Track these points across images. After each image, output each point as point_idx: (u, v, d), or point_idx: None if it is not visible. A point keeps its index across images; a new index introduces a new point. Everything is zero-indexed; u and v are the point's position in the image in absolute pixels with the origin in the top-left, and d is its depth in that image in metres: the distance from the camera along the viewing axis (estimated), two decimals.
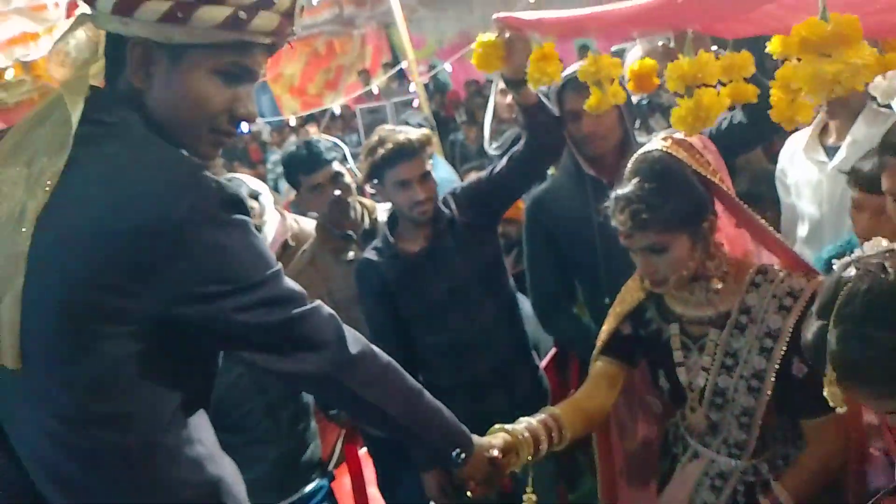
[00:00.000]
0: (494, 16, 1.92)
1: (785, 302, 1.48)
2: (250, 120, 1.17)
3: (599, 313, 2.04)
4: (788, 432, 1.57)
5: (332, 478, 2.55)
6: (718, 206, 1.58)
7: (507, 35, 1.85)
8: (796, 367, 1.47)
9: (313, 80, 10.75)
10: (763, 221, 1.58)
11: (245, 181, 2.79)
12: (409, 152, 2.03)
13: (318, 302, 1.19)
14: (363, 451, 2.66)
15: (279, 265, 1.13)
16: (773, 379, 1.48)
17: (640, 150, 1.57)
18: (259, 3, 1.05)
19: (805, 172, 2.30)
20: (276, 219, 3.01)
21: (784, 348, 1.47)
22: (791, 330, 1.46)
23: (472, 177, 2.30)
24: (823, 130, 2.31)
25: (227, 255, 1.06)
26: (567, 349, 2.48)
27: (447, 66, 7.17)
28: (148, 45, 1.05)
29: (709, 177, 1.51)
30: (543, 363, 2.41)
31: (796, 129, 2.21)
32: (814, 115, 1.66)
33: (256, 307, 1.09)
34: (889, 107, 2.19)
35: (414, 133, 2.08)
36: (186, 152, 1.12)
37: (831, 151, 2.24)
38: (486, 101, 7.82)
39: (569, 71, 2.01)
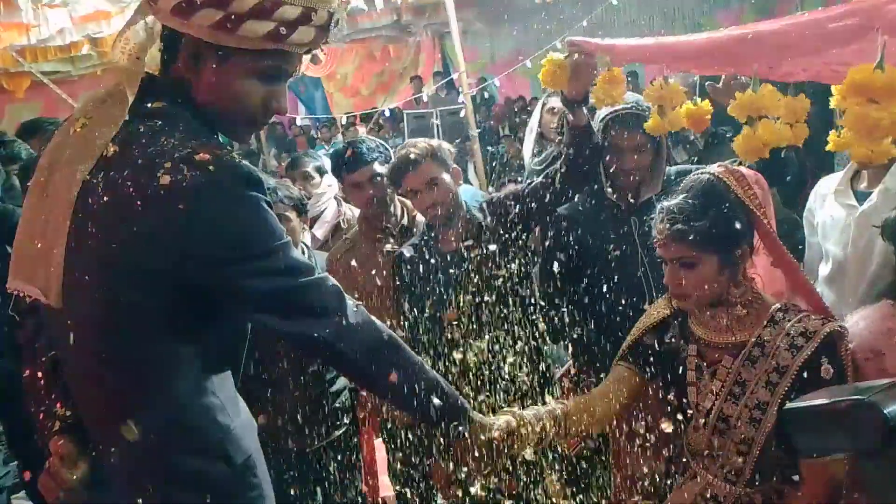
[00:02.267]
0: (569, 38, 2.05)
1: (797, 341, 1.54)
2: (282, 113, 1.33)
3: (609, 334, 2.15)
4: (786, 468, 1.61)
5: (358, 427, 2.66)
6: (758, 242, 1.64)
7: (576, 57, 1.96)
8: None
9: (366, 81, 10.97)
10: (795, 261, 1.64)
11: (319, 158, 2.99)
12: (414, 163, 2.20)
13: (324, 274, 1.32)
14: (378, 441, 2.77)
15: (288, 238, 1.26)
16: (774, 412, 1.54)
17: (696, 171, 1.68)
18: (299, 20, 1.20)
19: (834, 214, 2.34)
20: (333, 201, 3.21)
21: (788, 385, 1.53)
22: (798, 369, 1.52)
23: (510, 187, 2.42)
24: (855, 175, 2.36)
25: (237, 224, 1.19)
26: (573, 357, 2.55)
27: (496, 81, 7.28)
28: (200, 44, 1.21)
29: (753, 208, 1.59)
30: (559, 373, 2.50)
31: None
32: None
33: (264, 274, 1.22)
34: None
35: (419, 146, 2.25)
36: (224, 136, 1.29)
37: (861, 197, 2.28)
38: (530, 118, 7.91)
39: (622, 106, 2.10)
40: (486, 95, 9.52)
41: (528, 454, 1.60)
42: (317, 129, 9.85)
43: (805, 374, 1.52)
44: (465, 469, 1.54)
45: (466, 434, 1.46)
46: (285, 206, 2.59)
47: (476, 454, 1.49)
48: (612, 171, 2.19)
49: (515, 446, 1.55)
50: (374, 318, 1.36)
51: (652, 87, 1.89)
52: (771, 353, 1.56)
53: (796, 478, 1.59)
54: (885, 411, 0.87)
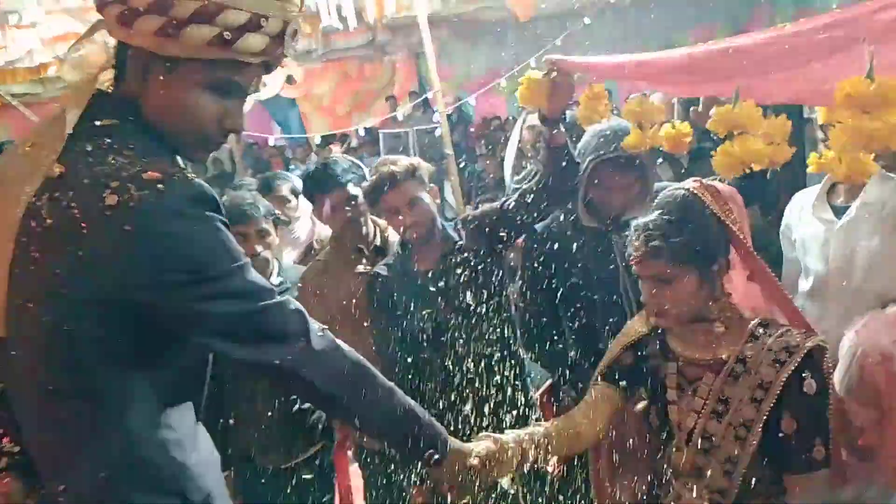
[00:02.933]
0: (546, 56, 2.02)
1: (780, 356, 1.51)
2: (237, 131, 1.26)
3: (589, 353, 2.11)
4: (772, 486, 1.58)
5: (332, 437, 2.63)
6: (734, 257, 1.62)
7: (554, 75, 1.93)
8: (786, 423, 1.50)
9: (342, 101, 10.95)
10: (773, 275, 1.61)
11: (291, 178, 2.92)
12: (394, 182, 2.16)
13: (285, 297, 1.25)
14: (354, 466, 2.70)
15: (246, 260, 1.19)
16: (759, 430, 1.50)
17: (671, 187, 1.65)
18: (247, 26, 1.14)
19: (812, 230, 2.33)
20: (308, 221, 3.15)
21: (773, 402, 1.49)
22: (782, 384, 1.49)
23: (486, 206, 2.37)
24: (831, 190, 2.35)
25: (189, 246, 1.12)
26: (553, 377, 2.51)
27: (471, 100, 7.29)
28: (146, 55, 1.15)
29: (728, 224, 1.56)
30: (538, 393, 2.44)
31: None
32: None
33: (220, 298, 1.15)
34: None
35: (400, 164, 2.20)
36: (179, 155, 1.22)
37: (839, 211, 2.27)
38: (507, 137, 7.94)
39: (602, 152, 2.07)
40: (463, 115, 9.56)
41: (506, 482, 1.54)
42: (292, 149, 9.81)
43: (789, 390, 1.48)
44: (443, 498, 1.47)
45: (444, 462, 1.40)
46: (267, 220, 2.54)
47: (455, 482, 1.44)
48: (596, 202, 2.16)
49: (496, 472, 1.49)
50: (341, 342, 1.30)
51: (630, 103, 1.86)
52: (753, 369, 1.52)
53: (783, 495, 1.56)
54: None
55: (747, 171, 1.68)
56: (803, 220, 2.39)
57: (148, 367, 1.17)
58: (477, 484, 1.45)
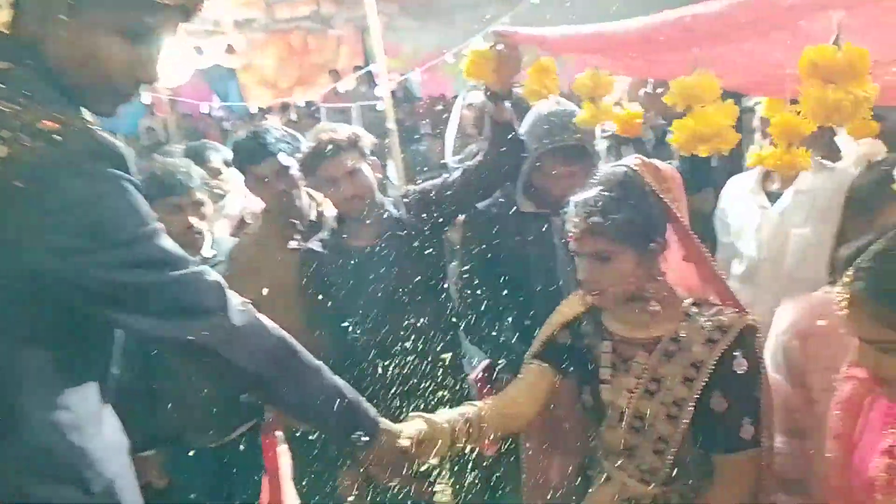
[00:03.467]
0: (493, 27, 1.94)
1: (713, 335, 1.50)
2: (149, 81, 1.16)
3: (526, 335, 2.05)
4: (701, 466, 1.58)
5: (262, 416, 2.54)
6: (671, 237, 1.60)
7: (501, 48, 1.86)
8: (716, 402, 1.50)
9: (285, 74, 10.66)
10: (709, 255, 1.61)
11: (221, 149, 2.78)
12: (334, 150, 2.06)
13: (201, 267, 1.16)
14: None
15: (158, 224, 1.10)
16: (690, 408, 1.50)
17: (611, 164, 1.61)
18: None
19: (747, 215, 2.36)
20: (240, 195, 3.01)
21: (705, 380, 1.49)
22: (714, 363, 1.48)
23: (427, 182, 2.31)
24: (766, 176, 2.38)
25: (92, 206, 1.01)
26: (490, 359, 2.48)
27: (417, 76, 7.18)
28: None
29: (668, 203, 1.55)
30: (473, 375, 2.41)
31: None
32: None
33: (126, 266, 1.05)
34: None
35: (342, 132, 2.11)
36: (85, 107, 1.10)
37: (774, 197, 2.31)
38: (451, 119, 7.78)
39: (559, 138, 2.01)
40: (408, 93, 9.43)
41: (435, 461, 1.50)
42: (231, 121, 9.51)
43: (720, 369, 1.48)
44: (373, 480, 1.43)
45: (374, 443, 1.34)
46: (201, 189, 2.42)
47: (385, 464, 1.39)
48: (539, 188, 2.10)
49: (427, 453, 1.44)
50: (264, 318, 1.22)
51: (581, 77, 1.80)
52: (687, 347, 1.52)
53: (711, 475, 1.56)
54: None
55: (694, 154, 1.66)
56: (738, 204, 2.42)
57: (44, 342, 1.07)
58: (407, 465, 1.40)
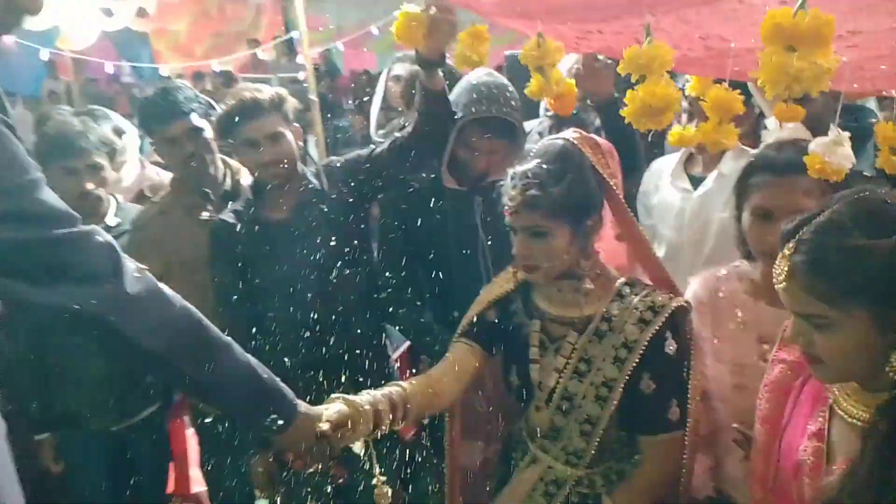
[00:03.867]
0: None
1: (645, 315, 1.48)
2: (33, 12, 1.02)
3: (446, 316, 2.00)
4: (626, 447, 1.57)
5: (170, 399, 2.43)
6: (605, 214, 1.57)
7: (434, 11, 1.74)
8: (645, 383, 1.48)
9: (201, 41, 10.13)
10: (644, 235, 1.59)
11: (112, 116, 2.55)
12: (257, 110, 1.93)
13: (91, 227, 1.04)
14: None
15: (39, 175, 0.98)
16: (620, 389, 1.48)
17: (549, 137, 1.55)
18: None
19: (669, 198, 2.37)
20: (135, 165, 2.79)
21: (636, 361, 1.47)
22: (646, 343, 1.46)
23: (352, 153, 2.19)
24: (689, 159, 2.39)
25: None
26: (409, 340, 2.42)
27: (340, 45, 6.98)
28: None
29: (606, 177, 1.51)
30: (395, 355, 2.34)
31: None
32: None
33: (1, 220, 0.92)
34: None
35: (265, 91, 1.98)
36: None
37: (696, 181, 2.32)
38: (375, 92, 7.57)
39: (476, 109, 1.93)
40: (331, 67, 9.18)
41: (358, 447, 1.41)
42: (140, 88, 9.00)
43: (651, 350, 1.47)
44: (290, 466, 1.33)
45: (290, 428, 1.25)
46: (99, 151, 2.22)
47: (303, 450, 1.30)
48: (462, 163, 2.02)
49: (349, 438, 1.36)
50: (166, 287, 1.11)
51: (527, 47, 1.72)
52: (619, 328, 1.49)
53: (637, 457, 1.56)
54: None
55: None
56: (661, 187, 2.43)
57: None
58: (327, 451, 1.31)
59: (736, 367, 1.60)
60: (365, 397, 1.41)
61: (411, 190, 2.10)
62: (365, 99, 8.46)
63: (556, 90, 1.68)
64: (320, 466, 1.34)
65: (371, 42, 8.77)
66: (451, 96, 1.98)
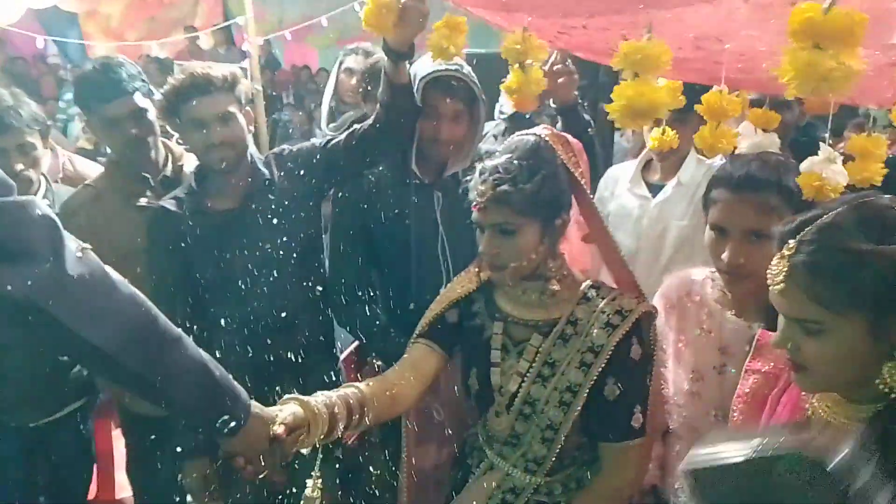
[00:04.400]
0: None
1: (612, 320, 1.45)
2: None
3: (401, 317, 1.94)
4: (586, 455, 1.54)
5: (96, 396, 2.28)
6: (572, 216, 1.52)
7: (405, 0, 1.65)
8: (609, 389, 1.44)
9: (135, 26, 9.71)
10: (612, 236, 1.55)
11: (30, 102, 2.34)
12: (207, 88, 1.81)
13: (29, 197, 0.92)
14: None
15: None
16: (585, 395, 1.44)
17: (520, 133, 1.50)
18: None
19: (627, 205, 2.36)
20: (45, 154, 2.58)
21: (603, 366, 1.43)
22: (613, 348, 1.43)
23: (306, 142, 2.08)
24: (646, 166, 2.39)
25: None
26: (361, 341, 2.33)
27: (287, 34, 6.81)
28: None
29: (577, 176, 1.47)
30: (343, 356, 2.24)
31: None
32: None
33: None
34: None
35: (218, 69, 1.85)
36: None
37: (654, 189, 2.32)
38: (317, 88, 7.49)
39: (443, 67, 1.86)
40: (271, 60, 8.95)
41: (307, 450, 1.32)
42: (66, 69, 8.54)
43: (617, 355, 1.43)
44: (238, 473, 1.22)
45: (243, 430, 1.15)
46: (31, 129, 2.07)
47: (254, 454, 1.20)
48: (425, 139, 1.94)
49: (303, 441, 1.27)
50: (112, 271, 0.99)
51: (510, 40, 1.64)
52: (584, 331, 1.45)
53: (596, 465, 1.52)
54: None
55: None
56: (618, 195, 2.42)
57: None
58: (280, 455, 1.21)
59: (695, 375, 1.58)
60: (320, 399, 1.33)
61: (369, 184, 2.01)
62: (302, 95, 8.31)
63: (535, 90, 1.62)
64: (269, 473, 1.23)
65: (312, 36, 8.54)
66: (411, 69, 1.90)
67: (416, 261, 1.97)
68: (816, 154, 1.53)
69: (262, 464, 1.21)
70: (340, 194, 2.06)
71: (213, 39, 8.61)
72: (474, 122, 1.96)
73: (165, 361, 1.03)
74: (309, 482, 1.26)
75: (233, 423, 1.13)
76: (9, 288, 0.85)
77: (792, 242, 0.99)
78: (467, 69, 1.92)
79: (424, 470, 1.74)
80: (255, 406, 1.20)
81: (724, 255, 1.43)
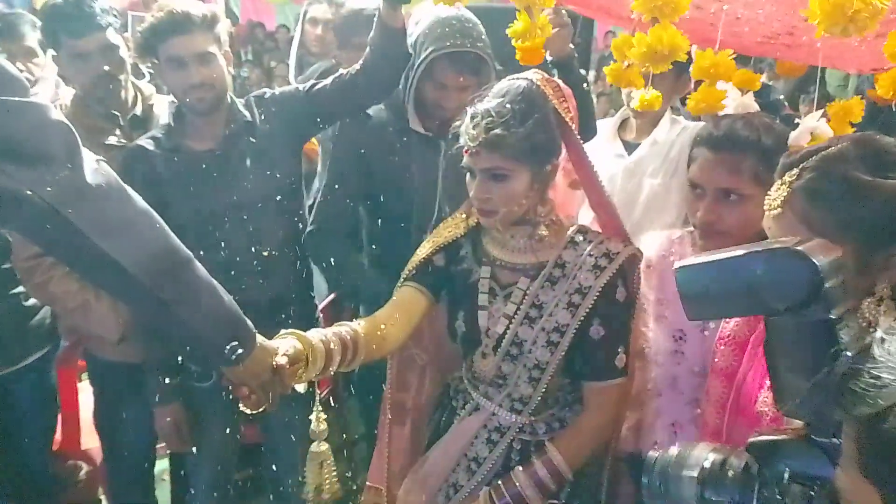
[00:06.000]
0: None
1: (600, 262, 1.48)
2: None
3: (391, 262, 1.90)
4: (568, 395, 1.58)
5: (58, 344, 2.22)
6: (560, 162, 1.53)
7: None
8: (595, 329, 1.48)
9: None
10: (600, 181, 1.56)
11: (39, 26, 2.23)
12: (187, 26, 1.76)
13: (43, 101, 0.89)
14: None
15: None
16: (572, 335, 1.47)
17: (510, 77, 1.49)
18: None
19: (602, 162, 2.38)
20: (52, 83, 2.48)
21: (590, 306, 1.46)
22: (600, 290, 1.46)
23: (290, 86, 2.03)
24: (622, 125, 2.41)
25: None
26: (338, 289, 2.31)
27: None
28: None
29: (568, 121, 1.48)
30: (320, 306, 2.23)
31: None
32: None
33: None
34: (687, 116, 2.37)
35: (198, 6, 1.80)
36: None
37: (630, 147, 2.35)
38: (276, 45, 7.29)
39: (451, 44, 1.82)
40: (227, 14, 8.70)
41: (302, 387, 1.32)
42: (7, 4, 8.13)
43: (603, 296, 1.46)
44: (241, 402, 1.22)
45: (247, 359, 1.14)
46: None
47: (256, 384, 1.19)
48: (429, 104, 1.92)
49: (302, 374, 1.27)
50: (128, 187, 0.96)
51: None
52: (572, 273, 1.48)
53: (577, 405, 1.56)
54: (814, 262, 0.76)
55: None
56: (594, 153, 2.43)
57: None
58: (279, 387, 1.21)
59: (676, 332, 1.60)
60: (315, 334, 1.33)
61: (371, 128, 1.98)
62: (259, 52, 8.09)
63: (540, 35, 1.60)
64: (268, 405, 1.23)
65: None
66: (418, 29, 1.88)
67: (416, 209, 1.95)
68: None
69: (263, 394, 1.20)
70: (343, 134, 2.03)
71: None
72: (481, 84, 1.93)
73: (179, 281, 1.01)
74: (313, 416, 1.27)
75: (240, 350, 1.12)
76: (28, 192, 0.82)
77: (795, 170, 1.02)
78: (481, 41, 1.87)
79: (404, 408, 1.75)
80: (261, 338, 1.19)
81: (698, 213, 1.46)
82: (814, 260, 0.76)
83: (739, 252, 0.81)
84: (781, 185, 1.03)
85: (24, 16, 2.19)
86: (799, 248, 0.77)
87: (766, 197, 1.05)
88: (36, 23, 2.19)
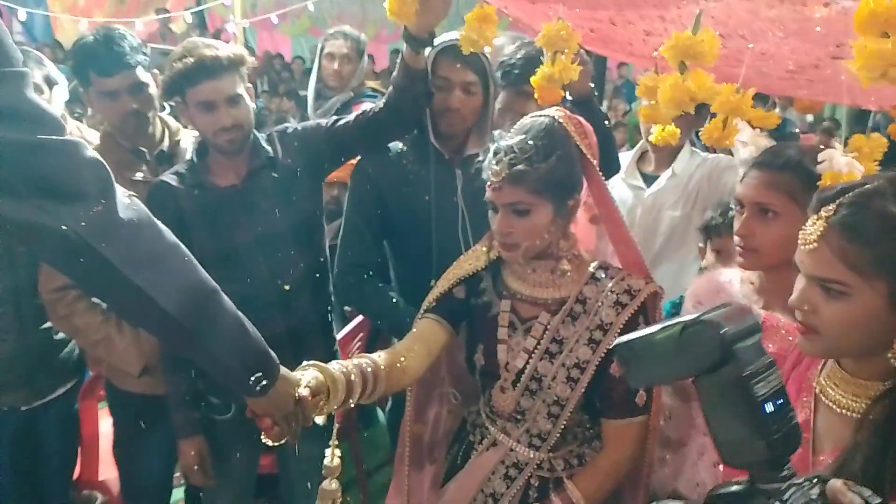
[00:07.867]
0: None
1: (622, 299, 1.48)
2: None
3: (416, 293, 1.92)
4: (587, 431, 1.57)
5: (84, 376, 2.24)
6: (581, 197, 1.55)
7: None
8: (615, 367, 1.47)
9: (101, 6, 9.49)
10: (622, 217, 1.58)
11: (46, 63, 2.28)
12: (216, 70, 1.78)
13: (79, 139, 0.91)
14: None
15: (23, 69, 0.84)
16: (592, 371, 1.47)
17: (533, 114, 1.51)
18: None
19: (621, 195, 2.41)
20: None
21: (611, 343, 1.46)
22: (622, 326, 1.46)
23: (310, 122, 2.06)
24: (642, 158, 2.43)
25: None
26: (373, 320, 2.31)
27: (274, 18, 6.74)
28: None
29: (590, 157, 1.49)
30: (339, 336, 2.24)
31: None
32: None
33: None
34: (705, 150, 2.38)
35: (225, 49, 1.83)
36: None
37: (649, 179, 2.36)
38: (292, 77, 7.42)
39: (448, 36, 1.87)
40: (247, 44, 8.86)
41: (321, 419, 1.32)
42: (38, 48, 8.31)
43: (625, 332, 1.44)
44: (263, 436, 1.22)
45: (271, 390, 1.15)
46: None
47: (279, 415, 1.20)
48: (438, 111, 1.95)
49: (324, 406, 1.27)
50: (158, 222, 0.98)
51: (551, 26, 1.65)
52: (593, 309, 1.48)
53: (596, 442, 1.55)
54: (721, 327, 0.83)
55: None
56: (612, 184, 2.45)
57: None
58: (301, 419, 1.22)
59: None
60: (335, 366, 1.34)
61: (389, 160, 2.00)
62: (276, 83, 8.21)
63: (561, 78, 1.62)
64: (289, 438, 1.23)
65: (285, 24, 8.46)
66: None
67: (436, 239, 1.97)
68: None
69: (286, 426, 1.21)
70: (360, 168, 2.05)
71: (185, 23, 8.46)
72: (486, 96, 1.97)
73: (205, 311, 1.03)
74: (327, 451, 1.27)
75: (265, 382, 1.13)
76: (63, 227, 0.84)
77: (831, 205, 1.02)
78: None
79: (420, 441, 1.74)
80: (284, 369, 1.20)
81: (737, 231, 1.48)
82: (722, 326, 0.83)
83: (660, 326, 0.89)
84: (817, 219, 1.03)
85: (30, 52, 2.24)
86: (706, 318, 0.85)
87: (801, 231, 1.05)
88: (42, 59, 2.23)
